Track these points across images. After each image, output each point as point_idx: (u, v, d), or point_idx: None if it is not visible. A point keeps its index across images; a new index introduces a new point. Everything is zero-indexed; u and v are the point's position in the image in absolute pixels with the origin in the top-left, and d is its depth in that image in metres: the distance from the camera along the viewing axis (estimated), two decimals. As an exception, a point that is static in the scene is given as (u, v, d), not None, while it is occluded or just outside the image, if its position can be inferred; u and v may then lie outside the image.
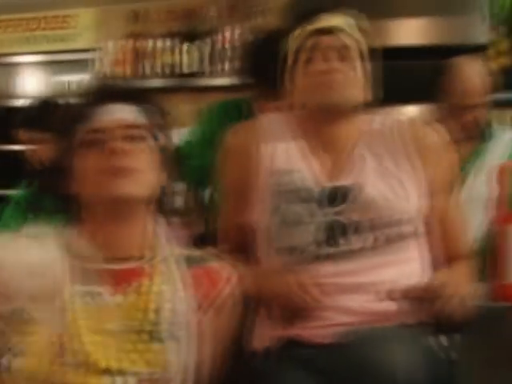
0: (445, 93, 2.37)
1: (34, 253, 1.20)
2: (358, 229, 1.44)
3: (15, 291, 1.16)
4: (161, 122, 1.33)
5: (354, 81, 1.50)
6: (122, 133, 1.23)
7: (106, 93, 1.32)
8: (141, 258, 1.26)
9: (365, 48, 1.53)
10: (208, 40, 3.72)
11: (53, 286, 1.18)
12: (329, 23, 1.53)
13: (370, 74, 1.54)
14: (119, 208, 1.22)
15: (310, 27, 1.54)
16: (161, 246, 1.29)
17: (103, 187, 1.20)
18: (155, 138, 1.29)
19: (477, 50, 2.87)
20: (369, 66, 1.54)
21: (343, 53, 1.50)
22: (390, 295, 1.35)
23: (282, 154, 1.53)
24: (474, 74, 2.34)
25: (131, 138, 1.24)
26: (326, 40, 1.51)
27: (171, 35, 3.80)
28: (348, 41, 1.50)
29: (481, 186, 2.21)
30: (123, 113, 1.27)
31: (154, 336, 1.20)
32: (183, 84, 3.80)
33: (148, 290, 1.23)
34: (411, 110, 3.18)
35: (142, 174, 1.22)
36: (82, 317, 1.18)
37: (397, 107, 3.02)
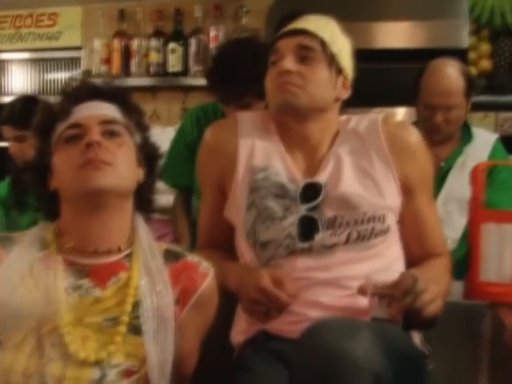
0: (420, 93, 2.41)
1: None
2: (331, 225, 1.47)
3: None
4: (138, 120, 1.36)
5: (314, 82, 1.51)
6: (98, 128, 1.26)
7: (85, 90, 1.35)
8: (120, 251, 1.29)
9: (336, 50, 1.54)
10: (194, 40, 3.74)
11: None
12: (295, 26, 1.56)
13: (343, 75, 1.56)
14: (96, 201, 1.25)
15: (281, 31, 1.58)
16: (139, 240, 1.31)
17: (80, 180, 1.23)
18: (132, 135, 1.32)
19: (459, 53, 2.90)
20: (340, 67, 1.55)
21: (304, 54, 1.52)
22: (362, 290, 1.38)
23: (259, 151, 1.56)
24: (447, 74, 2.37)
25: (108, 134, 1.27)
26: (286, 42, 1.54)
27: (157, 34, 3.81)
28: (310, 42, 1.52)
29: (460, 188, 2.24)
30: (100, 109, 1.31)
31: (132, 329, 1.22)
32: (169, 83, 3.82)
33: (127, 283, 1.25)
34: (396, 112, 3.22)
35: (118, 167, 1.25)
36: (61, 309, 1.20)
37: (382, 109, 3.06)
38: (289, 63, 1.50)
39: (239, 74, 2.04)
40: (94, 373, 1.17)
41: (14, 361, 1.15)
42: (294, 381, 1.24)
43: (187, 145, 2.44)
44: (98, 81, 1.42)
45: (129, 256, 1.29)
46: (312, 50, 1.52)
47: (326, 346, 1.16)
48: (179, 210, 2.58)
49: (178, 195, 2.60)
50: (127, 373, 1.20)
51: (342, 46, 1.57)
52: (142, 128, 1.37)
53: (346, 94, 1.59)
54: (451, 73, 2.36)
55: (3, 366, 1.15)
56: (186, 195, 2.57)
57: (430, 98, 2.36)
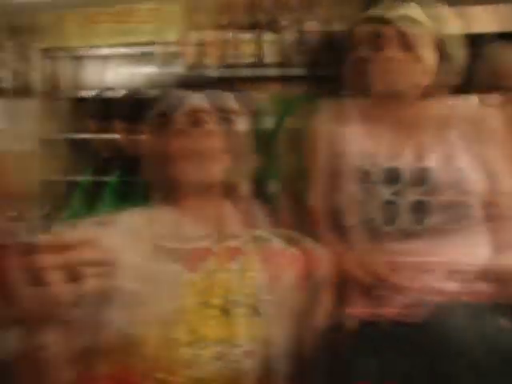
0: (482, 78, 2.38)
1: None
2: (425, 209, 1.49)
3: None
4: (243, 108, 1.39)
5: (408, 68, 1.53)
6: (204, 117, 1.31)
7: (190, 81, 1.40)
8: (235, 237, 1.33)
9: (425, 35, 1.54)
10: (289, 30, 3.77)
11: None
12: (377, 11, 1.57)
13: (433, 61, 1.56)
14: (199, 189, 1.30)
15: (364, 15, 1.60)
16: (254, 225, 1.35)
17: (184, 169, 1.28)
18: (237, 123, 1.36)
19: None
20: (431, 53, 1.56)
21: (399, 41, 1.53)
22: (461, 275, 1.39)
23: (361, 137, 1.59)
24: (506, 57, 2.34)
25: (213, 122, 1.31)
26: (373, 28, 1.56)
27: (253, 25, 3.88)
28: (404, 29, 1.53)
29: None
30: (206, 99, 1.34)
31: (253, 311, 1.26)
32: (265, 74, 3.86)
33: (245, 267, 1.29)
34: (491, 97, 3.15)
35: (222, 155, 1.30)
36: (182, 292, 1.25)
37: (477, 94, 3.00)
38: (389, 51, 1.53)
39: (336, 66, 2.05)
40: (218, 352, 1.22)
41: (144, 336, 1.21)
42: (416, 364, 1.27)
43: (270, 134, 2.48)
44: (203, 72, 1.46)
45: (246, 240, 1.33)
46: (406, 36, 1.53)
47: (451, 330, 1.20)
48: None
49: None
50: (249, 353, 1.24)
51: (442, 29, 1.57)
52: (247, 116, 1.39)
53: (445, 80, 1.59)
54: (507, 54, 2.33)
55: (136, 341, 1.20)
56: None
57: (491, 81, 2.35)
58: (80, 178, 2.89)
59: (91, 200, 2.60)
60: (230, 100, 1.38)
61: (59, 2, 4.32)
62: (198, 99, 1.34)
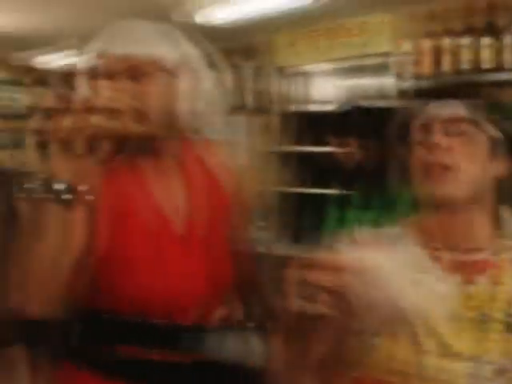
0: None
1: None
2: None
3: None
4: (488, 115, 1.30)
5: None
6: (442, 128, 1.25)
7: (429, 90, 1.36)
8: (485, 249, 1.26)
9: None
10: (509, 33, 3.58)
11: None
12: None
13: None
14: (441, 205, 1.24)
15: None
16: (506, 235, 1.28)
17: (421, 185, 1.24)
18: (482, 130, 1.28)
19: None
20: None
21: None
22: None
23: None
24: None
25: (454, 133, 1.25)
26: None
27: (469, 31, 3.73)
28: None
29: None
30: (446, 108, 1.28)
31: (507, 327, 1.19)
32: (484, 79, 3.68)
33: (498, 280, 1.23)
34: None
35: (461, 171, 1.23)
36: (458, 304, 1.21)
37: None
38: None
39: None
40: (470, 367, 1.17)
41: (393, 348, 1.19)
42: None
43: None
44: (442, 78, 1.41)
45: (496, 253, 1.26)
46: None
47: None
48: None
49: None
50: (503, 371, 1.17)
51: None
52: (494, 120, 1.30)
53: None
54: None
55: (383, 353, 1.19)
56: None
57: None
58: (330, 192, 2.88)
59: (341, 214, 2.61)
60: (475, 108, 1.31)
61: (290, 22, 4.47)
62: (454, 108, 1.29)
